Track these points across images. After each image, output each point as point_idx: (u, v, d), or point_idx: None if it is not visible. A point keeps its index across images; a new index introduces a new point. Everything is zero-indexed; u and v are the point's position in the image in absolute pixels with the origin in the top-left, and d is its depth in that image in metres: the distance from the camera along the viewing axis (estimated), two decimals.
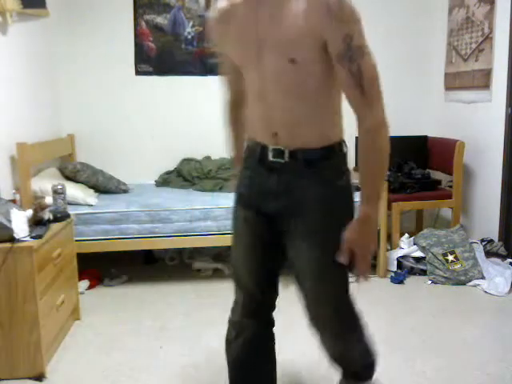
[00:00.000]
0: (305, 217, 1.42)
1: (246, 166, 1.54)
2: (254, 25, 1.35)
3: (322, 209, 1.41)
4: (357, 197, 1.40)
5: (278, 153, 1.42)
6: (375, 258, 3.31)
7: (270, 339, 1.65)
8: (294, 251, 1.46)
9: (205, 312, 2.78)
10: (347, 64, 1.27)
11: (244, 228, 1.53)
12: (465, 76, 3.74)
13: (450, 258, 3.19)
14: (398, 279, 3.18)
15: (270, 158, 1.44)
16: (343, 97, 1.37)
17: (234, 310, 1.63)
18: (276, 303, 1.62)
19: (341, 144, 1.45)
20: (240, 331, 1.59)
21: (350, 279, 1.48)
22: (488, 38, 3.45)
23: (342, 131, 1.47)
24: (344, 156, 1.47)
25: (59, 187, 2.49)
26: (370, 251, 1.39)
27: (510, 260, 3.25)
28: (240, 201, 1.55)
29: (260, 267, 1.54)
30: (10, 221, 2.08)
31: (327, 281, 1.45)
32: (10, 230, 2.06)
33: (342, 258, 1.37)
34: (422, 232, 3.48)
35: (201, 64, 3.92)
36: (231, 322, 1.63)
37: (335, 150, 1.43)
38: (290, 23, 1.29)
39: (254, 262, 1.54)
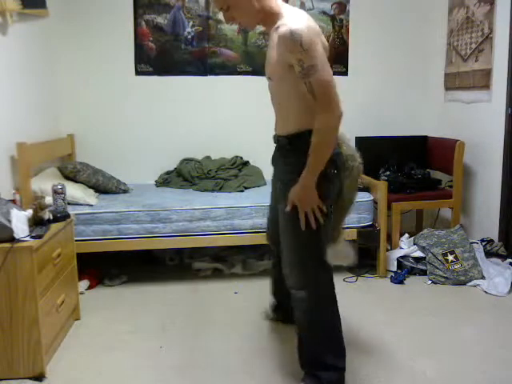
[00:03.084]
0: (278, 183, 2.04)
1: None
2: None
3: (284, 179, 1.97)
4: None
5: (274, 138, 2.08)
6: (375, 257, 3.31)
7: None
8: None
9: (205, 312, 2.78)
10: (303, 79, 1.76)
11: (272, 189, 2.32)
12: (465, 76, 3.74)
13: (450, 258, 3.19)
14: (398, 279, 3.18)
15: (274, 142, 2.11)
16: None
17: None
18: None
19: (310, 132, 1.83)
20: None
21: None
22: (488, 37, 3.45)
23: (311, 124, 1.83)
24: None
25: (59, 187, 2.50)
26: (306, 207, 1.86)
27: (509, 260, 3.25)
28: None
29: (272, 215, 2.32)
30: (9, 221, 2.08)
31: (287, 227, 1.98)
32: (10, 230, 2.06)
33: (287, 208, 1.90)
34: (421, 232, 3.48)
35: (201, 64, 3.92)
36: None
37: (304, 137, 1.85)
38: (269, 55, 1.88)
39: (271, 211, 2.36)
